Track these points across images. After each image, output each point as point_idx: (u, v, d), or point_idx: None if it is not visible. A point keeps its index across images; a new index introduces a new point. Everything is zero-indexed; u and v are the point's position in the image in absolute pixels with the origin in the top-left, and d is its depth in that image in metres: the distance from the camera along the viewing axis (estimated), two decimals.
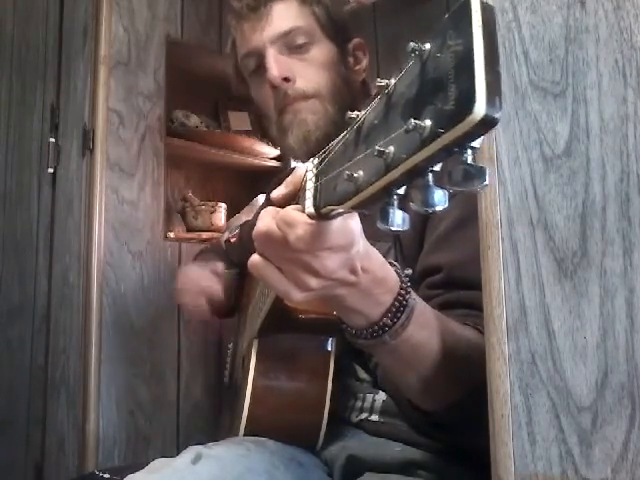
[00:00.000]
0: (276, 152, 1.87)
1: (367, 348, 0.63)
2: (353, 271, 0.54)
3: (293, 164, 1.72)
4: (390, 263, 0.59)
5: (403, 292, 0.59)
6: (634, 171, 0.49)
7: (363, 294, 0.56)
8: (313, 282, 0.52)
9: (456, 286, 0.72)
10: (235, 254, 1.29)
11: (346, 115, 0.41)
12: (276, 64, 0.95)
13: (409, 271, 0.62)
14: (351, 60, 1.04)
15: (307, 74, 0.96)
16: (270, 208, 0.53)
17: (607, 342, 0.49)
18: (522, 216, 0.53)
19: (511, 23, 0.55)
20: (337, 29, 1.02)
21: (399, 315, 0.58)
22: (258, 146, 1.82)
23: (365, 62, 1.06)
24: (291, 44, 0.97)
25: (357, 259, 0.53)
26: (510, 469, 0.51)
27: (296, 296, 0.53)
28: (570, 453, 0.49)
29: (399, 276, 0.59)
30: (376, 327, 0.59)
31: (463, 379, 0.64)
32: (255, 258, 0.54)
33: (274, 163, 1.90)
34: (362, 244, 0.53)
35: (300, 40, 0.97)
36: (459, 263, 0.73)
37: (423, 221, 0.80)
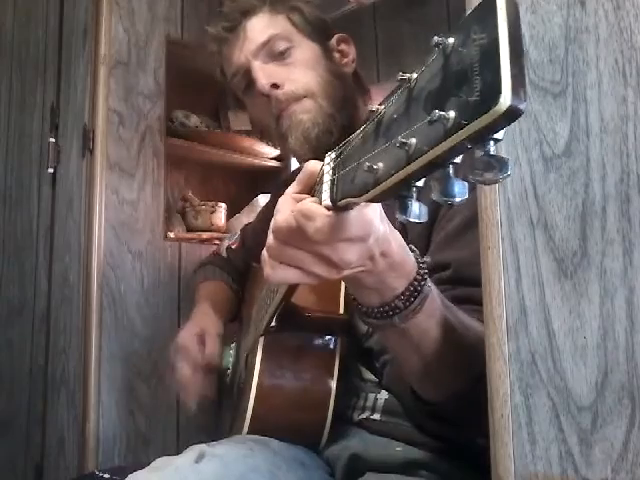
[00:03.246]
0: (276, 152, 1.87)
1: (376, 328, 0.64)
2: (371, 258, 0.54)
3: (294, 165, 1.73)
4: (410, 249, 0.60)
5: (419, 278, 0.59)
6: (634, 171, 0.49)
7: (379, 277, 0.57)
8: (332, 273, 0.52)
9: (464, 283, 0.73)
10: (239, 259, 1.29)
11: (367, 109, 0.42)
12: (262, 73, 0.98)
13: (428, 258, 0.63)
14: (337, 55, 1.06)
15: (294, 76, 0.98)
16: (288, 199, 0.53)
17: (607, 342, 0.49)
18: (522, 216, 0.53)
19: None
20: (316, 29, 1.04)
21: (412, 300, 0.59)
22: (258, 146, 1.82)
23: (352, 54, 1.08)
24: (273, 52, 1.00)
25: (375, 247, 0.53)
26: (510, 469, 0.51)
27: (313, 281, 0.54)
28: (570, 453, 0.49)
29: (417, 262, 0.59)
30: (387, 307, 0.59)
31: (468, 369, 0.64)
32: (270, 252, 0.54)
33: (274, 163, 1.90)
34: (382, 230, 0.53)
35: (280, 46, 1.00)
36: (467, 261, 0.73)
37: (431, 220, 0.80)
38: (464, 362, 0.65)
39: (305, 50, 1.01)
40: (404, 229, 0.81)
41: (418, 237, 0.81)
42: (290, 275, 0.54)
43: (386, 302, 0.59)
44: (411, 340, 0.63)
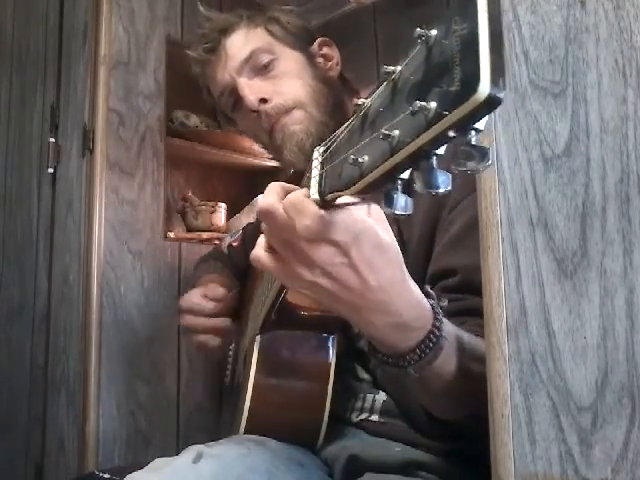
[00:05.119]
0: None
1: (392, 374, 0.62)
2: (357, 272, 0.51)
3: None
4: (426, 293, 0.57)
5: (435, 330, 0.57)
6: (634, 171, 0.49)
7: (385, 338, 0.56)
8: (307, 274, 0.51)
9: (473, 290, 0.71)
10: (239, 258, 1.29)
11: (352, 103, 0.42)
12: (249, 89, 0.97)
13: (445, 303, 0.60)
14: (321, 60, 1.04)
15: (280, 89, 0.98)
16: (276, 185, 0.51)
17: (607, 342, 0.49)
18: (522, 216, 0.53)
19: (511, 23, 0.55)
20: (296, 36, 1.03)
21: (427, 352, 0.57)
22: (258, 146, 1.82)
23: (336, 57, 1.07)
24: (256, 66, 0.99)
25: (363, 266, 0.51)
26: (510, 469, 0.51)
27: (296, 285, 0.53)
28: (570, 453, 0.49)
29: (434, 311, 0.57)
30: (401, 359, 0.58)
31: (481, 396, 0.63)
32: (259, 253, 0.54)
33: (274, 163, 1.89)
34: (376, 259, 0.51)
35: (263, 59, 0.99)
36: (476, 267, 0.72)
37: (432, 223, 0.79)
38: (475, 391, 0.63)
39: (288, 60, 1.00)
40: (400, 232, 0.80)
41: (418, 241, 0.79)
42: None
43: (399, 354, 0.58)
44: (425, 383, 0.62)
